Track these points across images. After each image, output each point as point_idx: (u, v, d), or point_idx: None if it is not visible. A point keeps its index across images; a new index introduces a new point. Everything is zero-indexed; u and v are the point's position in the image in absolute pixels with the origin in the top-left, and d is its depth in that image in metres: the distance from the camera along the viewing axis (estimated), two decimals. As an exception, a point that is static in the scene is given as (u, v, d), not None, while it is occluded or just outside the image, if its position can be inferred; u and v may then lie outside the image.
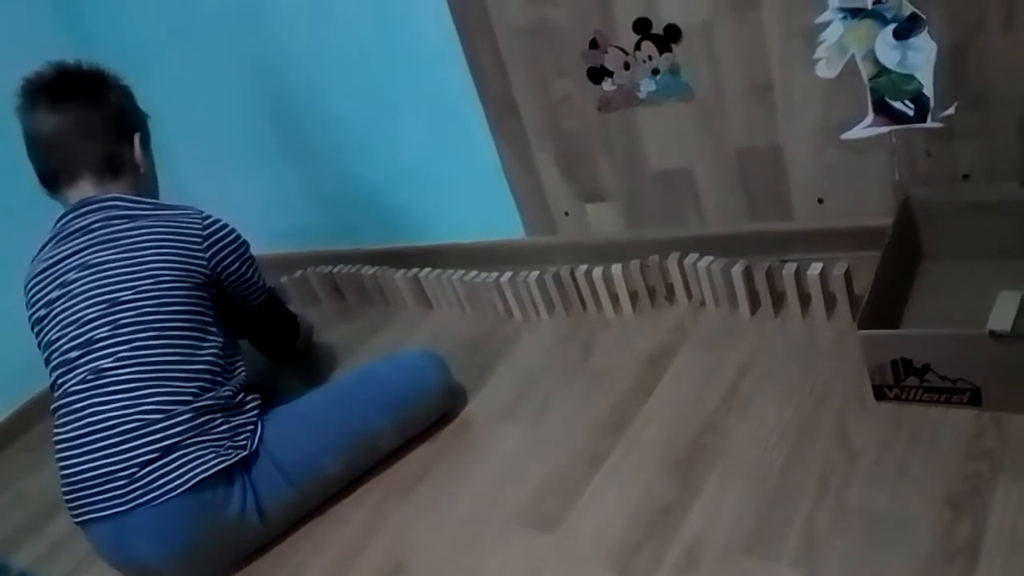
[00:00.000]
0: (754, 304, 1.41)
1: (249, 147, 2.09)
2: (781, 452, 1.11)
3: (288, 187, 2.11)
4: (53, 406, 1.27)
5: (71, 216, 1.33)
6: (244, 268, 1.41)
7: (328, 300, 2.05)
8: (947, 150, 1.29)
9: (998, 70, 1.20)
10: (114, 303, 1.26)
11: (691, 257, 1.46)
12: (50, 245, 1.34)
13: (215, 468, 1.19)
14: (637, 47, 1.43)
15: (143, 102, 1.48)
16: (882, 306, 1.17)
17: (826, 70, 1.31)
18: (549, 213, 1.74)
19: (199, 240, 1.34)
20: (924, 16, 1.20)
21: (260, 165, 2.11)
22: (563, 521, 1.14)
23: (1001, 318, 1.06)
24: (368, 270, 1.92)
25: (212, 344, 1.30)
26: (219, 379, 1.28)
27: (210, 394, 1.25)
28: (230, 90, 2.00)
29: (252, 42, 1.87)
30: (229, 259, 1.37)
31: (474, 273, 1.72)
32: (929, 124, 1.28)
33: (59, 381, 1.26)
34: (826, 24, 1.28)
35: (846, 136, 1.35)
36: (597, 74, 1.50)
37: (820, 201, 1.44)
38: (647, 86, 1.46)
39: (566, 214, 1.72)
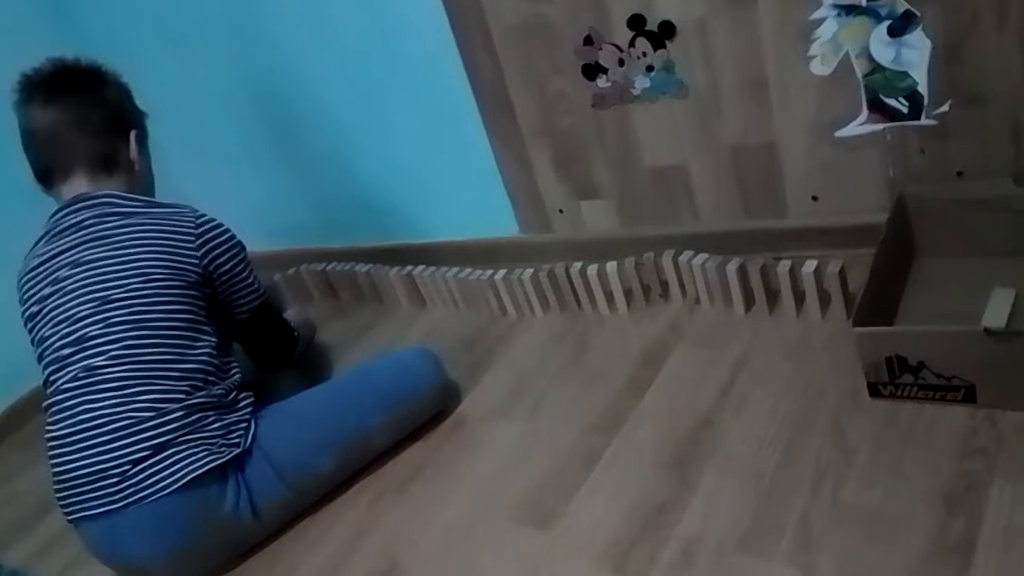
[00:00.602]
0: (749, 302, 1.41)
1: (242, 145, 2.09)
2: (776, 450, 1.11)
3: (282, 185, 2.10)
4: (45, 403, 1.27)
5: (64, 212, 1.33)
6: (238, 268, 1.39)
7: (322, 298, 2.04)
8: (941, 147, 1.30)
9: (992, 67, 1.20)
10: (106, 301, 1.25)
11: (686, 254, 1.46)
12: (43, 241, 1.33)
13: (208, 466, 1.18)
14: (631, 44, 1.43)
15: (137, 100, 1.47)
16: (877, 303, 1.16)
17: (820, 67, 1.31)
18: (544, 210, 1.73)
19: (192, 238, 1.32)
20: (918, 13, 1.20)
21: (253, 163, 2.10)
22: (558, 519, 1.14)
23: (996, 315, 1.06)
24: (362, 268, 1.92)
25: (205, 343, 1.29)
26: (212, 378, 1.27)
27: (203, 392, 1.24)
28: (223, 88, 1.99)
29: (246, 40, 1.86)
30: (222, 258, 1.36)
31: (468, 271, 1.72)
32: (923, 121, 1.28)
33: (51, 378, 1.26)
34: (820, 21, 1.27)
35: (840, 133, 1.35)
36: (592, 71, 1.49)
37: (815, 198, 1.44)
38: (641, 83, 1.46)
39: (561, 211, 1.72)
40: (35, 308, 1.30)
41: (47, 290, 1.29)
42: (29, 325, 1.32)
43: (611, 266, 1.51)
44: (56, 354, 1.25)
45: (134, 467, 1.17)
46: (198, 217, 1.35)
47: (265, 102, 1.96)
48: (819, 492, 1.02)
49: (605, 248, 1.62)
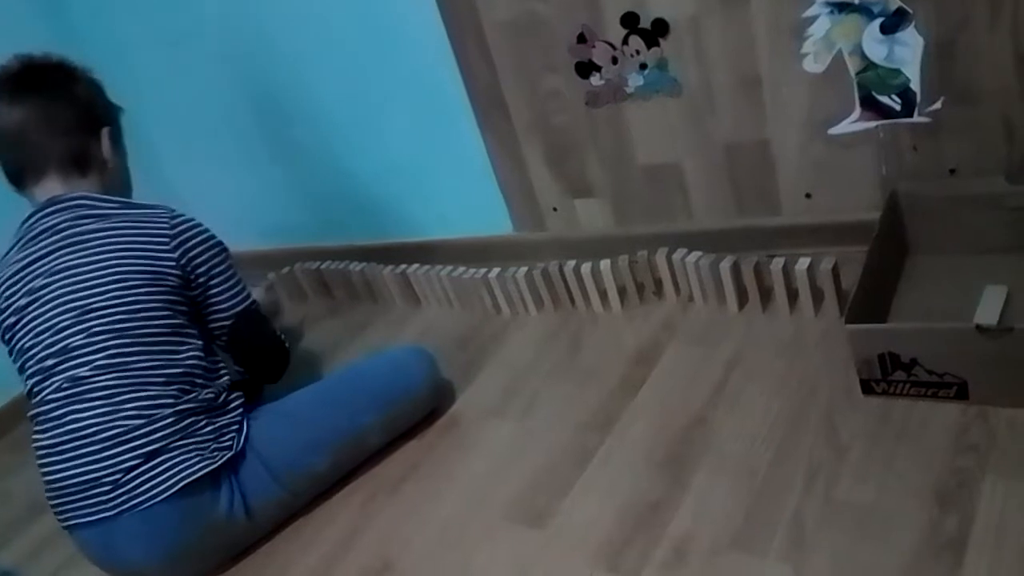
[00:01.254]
0: (742, 299, 1.41)
1: (236, 143, 2.08)
2: (769, 447, 1.11)
3: (275, 183, 2.09)
4: (31, 413, 1.25)
5: (38, 216, 1.29)
6: (216, 269, 1.33)
7: (316, 296, 2.04)
8: (934, 145, 1.30)
9: (984, 65, 1.20)
10: (86, 310, 1.22)
11: (679, 252, 1.46)
12: (16, 248, 1.29)
13: (201, 472, 1.18)
14: (625, 42, 1.43)
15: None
16: (869, 300, 1.17)
17: (813, 65, 1.31)
18: (537, 209, 1.73)
19: (166, 240, 1.28)
20: (911, 11, 1.20)
21: (247, 161, 2.09)
22: (551, 517, 1.14)
23: (988, 312, 1.07)
24: (356, 266, 1.91)
25: (191, 347, 1.27)
26: (200, 381, 1.25)
27: (191, 396, 1.23)
28: (218, 86, 1.98)
29: (240, 39, 1.86)
30: (199, 258, 1.30)
31: (462, 269, 1.72)
32: (916, 119, 1.28)
33: (35, 389, 1.23)
34: (813, 18, 1.27)
35: (833, 131, 1.35)
36: (585, 69, 1.49)
37: (808, 196, 1.44)
38: (635, 81, 1.46)
39: (554, 210, 1.72)
40: (12, 319, 1.26)
41: (23, 300, 1.25)
42: (7, 336, 1.28)
43: (605, 264, 1.51)
44: (39, 365, 1.22)
45: (126, 475, 1.16)
46: (174, 217, 1.30)
47: (259, 101, 1.95)
48: (812, 489, 1.02)
49: (599, 246, 1.62)
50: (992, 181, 1.25)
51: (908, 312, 1.23)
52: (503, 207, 1.77)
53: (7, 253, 1.31)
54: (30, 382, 1.25)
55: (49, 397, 1.21)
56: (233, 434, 1.25)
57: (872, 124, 1.32)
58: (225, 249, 1.36)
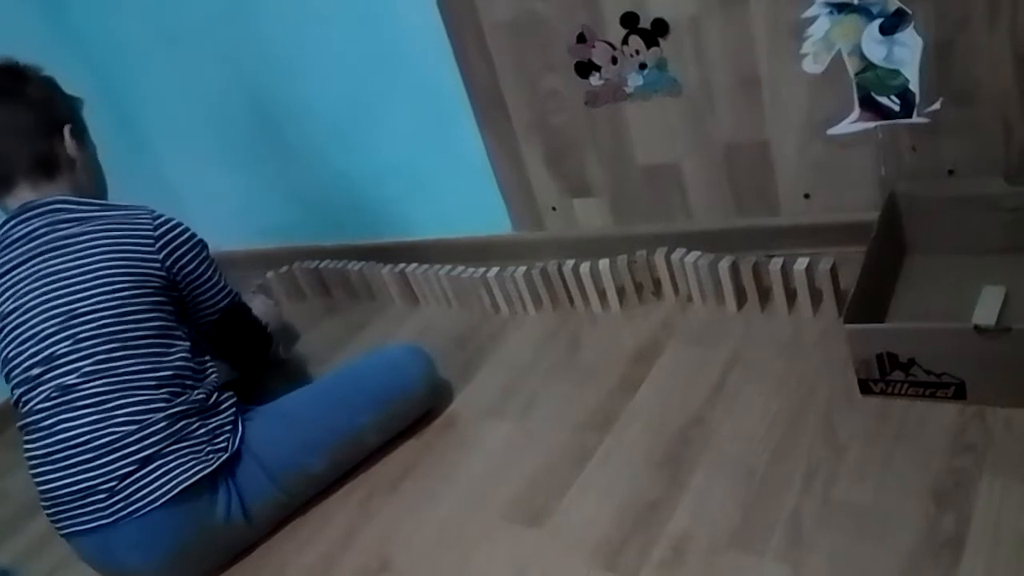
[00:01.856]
0: (741, 299, 1.41)
1: (235, 142, 2.08)
2: (767, 447, 1.11)
3: (274, 183, 2.09)
4: (20, 423, 1.23)
5: (13, 223, 1.27)
6: (201, 268, 1.33)
7: (314, 296, 2.04)
8: (932, 145, 1.30)
9: (983, 66, 1.20)
10: (71, 316, 1.20)
11: (678, 252, 1.46)
12: None
13: (197, 476, 1.17)
14: (624, 41, 1.43)
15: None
16: (868, 301, 1.17)
17: (813, 65, 1.31)
18: (536, 208, 1.73)
19: (151, 241, 1.27)
20: (910, 11, 1.21)
21: (246, 160, 2.09)
22: (549, 517, 1.14)
23: (986, 312, 1.07)
24: (354, 266, 1.91)
25: (179, 348, 1.26)
26: (190, 383, 1.24)
27: (183, 399, 1.22)
28: (216, 85, 1.98)
29: (238, 38, 1.85)
30: (184, 259, 1.30)
31: (461, 268, 1.72)
32: (915, 119, 1.29)
33: (23, 398, 1.22)
34: (813, 19, 1.28)
35: (832, 131, 1.35)
36: (585, 69, 1.49)
37: (806, 196, 1.44)
38: (634, 81, 1.46)
39: (553, 209, 1.72)
40: None
41: (6, 307, 1.24)
42: None
43: (604, 264, 1.51)
44: (25, 375, 1.21)
45: (121, 482, 1.15)
46: (155, 218, 1.29)
47: (258, 100, 1.95)
48: (810, 489, 1.03)
49: (598, 246, 1.62)
50: (990, 182, 1.25)
51: (906, 312, 1.23)
52: (502, 206, 1.77)
53: None
54: (17, 392, 1.23)
55: (38, 407, 1.20)
56: (227, 435, 1.24)
57: (871, 125, 1.32)
58: (206, 247, 1.36)
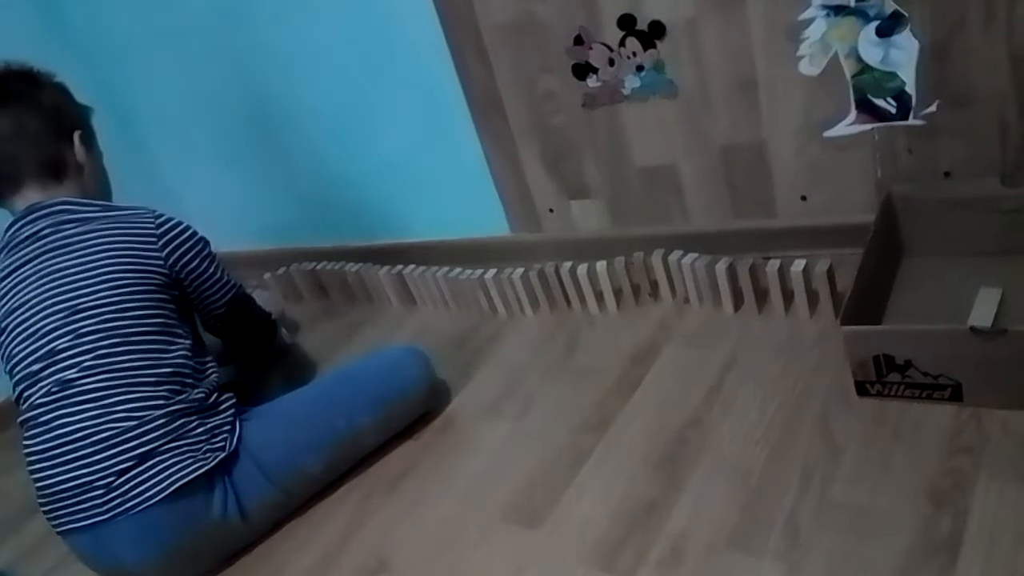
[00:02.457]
0: (737, 301, 1.41)
1: (232, 144, 2.08)
2: (764, 448, 1.11)
3: (272, 184, 2.09)
4: (20, 419, 1.24)
5: (20, 224, 1.29)
6: (204, 265, 1.36)
7: (311, 297, 2.04)
8: (929, 147, 1.30)
9: (979, 68, 1.20)
10: (73, 311, 1.22)
11: (675, 254, 1.46)
12: (0, 256, 1.30)
13: (194, 473, 1.17)
14: (622, 43, 1.43)
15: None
16: (864, 302, 1.17)
17: (809, 67, 1.31)
18: (534, 210, 1.73)
19: (153, 240, 1.29)
20: (906, 14, 1.21)
21: (243, 162, 2.09)
22: (547, 518, 1.14)
23: (982, 314, 1.07)
24: (352, 267, 1.91)
25: (180, 346, 1.27)
26: (190, 381, 1.25)
27: (182, 397, 1.22)
28: (212, 86, 1.98)
29: (235, 38, 1.85)
30: (187, 257, 1.33)
31: (458, 270, 1.72)
32: (911, 122, 1.29)
33: (24, 394, 1.23)
34: (809, 21, 1.28)
35: (829, 133, 1.36)
36: (582, 70, 1.49)
37: (803, 198, 1.44)
38: (632, 83, 1.46)
39: (551, 211, 1.72)
40: None
41: (10, 304, 1.25)
42: None
43: (601, 266, 1.52)
44: (26, 370, 1.22)
45: (119, 478, 1.15)
46: (157, 218, 1.32)
47: (256, 101, 1.95)
48: (807, 490, 1.03)
49: (595, 248, 1.62)
50: (987, 184, 1.26)
51: (903, 314, 1.24)
52: (499, 208, 1.77)
53: None
54: (18, 388, 1.24)
55: (38, 402, 1.20)
56: (225, 434, 1.24)
57: (867, 127, 1.32)
58: (208, 244, 1.39)
